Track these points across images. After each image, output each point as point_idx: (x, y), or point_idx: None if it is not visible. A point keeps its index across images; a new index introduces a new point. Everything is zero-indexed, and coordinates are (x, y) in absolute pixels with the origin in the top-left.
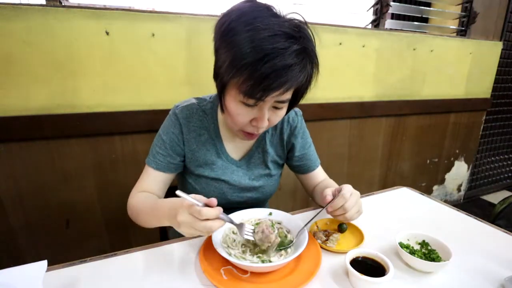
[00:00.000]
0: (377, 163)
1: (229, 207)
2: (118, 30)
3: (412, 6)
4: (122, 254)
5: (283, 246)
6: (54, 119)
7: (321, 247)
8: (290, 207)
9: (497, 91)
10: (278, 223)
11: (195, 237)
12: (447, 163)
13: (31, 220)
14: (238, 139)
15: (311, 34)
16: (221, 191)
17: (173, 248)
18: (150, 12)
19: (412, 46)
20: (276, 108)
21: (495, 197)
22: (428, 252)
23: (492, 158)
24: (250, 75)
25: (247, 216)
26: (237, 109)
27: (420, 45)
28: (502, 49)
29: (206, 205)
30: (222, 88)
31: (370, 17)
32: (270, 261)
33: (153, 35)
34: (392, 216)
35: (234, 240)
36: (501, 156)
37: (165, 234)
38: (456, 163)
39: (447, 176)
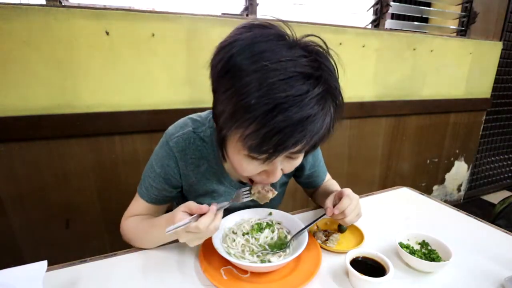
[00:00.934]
0: (377, 163)
1: None
2: (118, 30)
3: (412, 6)
4: (122, 254)
5: (280, 247)
6: (54, 119)
7: (321, 247)
8: (290, 207)
9: (497, 91)
10: (278, 223)
11: None
12: (447, 163)
13: (31, 220)
14: None
15: (333, 62)
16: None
17: (173, 248)
18: (150, 12)
19: (412, 46)
20: (291, 158)
21: (495, 197)
22: (428, 252)
23: (492, 158)
24: (257, 130)
25: (247, 216)
26: (242, 163)
27: (420, 45)
28: (502, 49)
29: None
30: (222, 138)
31: (370, 17)
32: (270, 261)
33: (153, 35)
34: (392, 216)
35: (234, 240)
36: (501, 156)
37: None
38: (456, 163)
39: (447, 176)
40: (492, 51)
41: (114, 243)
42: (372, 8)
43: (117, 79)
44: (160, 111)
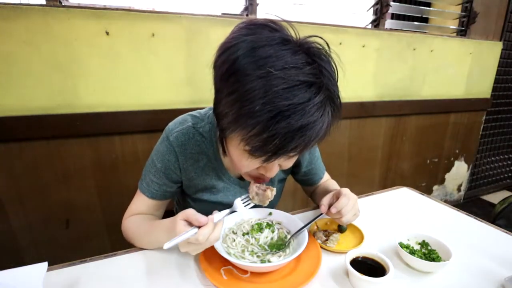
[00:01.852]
0: (377, 163)
1: None
2: (118, 30)
3: (412, 6)
4: (122, 254)
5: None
6: (54, 119)
7: (321, 247)
8: (290, 207)
9: (497, 91)
10: (278, 223)
11: None
12: (447, 163)
13: (31, 220)
14: None
15: (334, 65)
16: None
17: (173, 248)
18: (150, 12)
19: (412, 46)
20: (289, 156)
21: (495, 197)
22: (428, 252)
23: (492, 158)
24: (259, 134)
25: (247, 217)
26: (241, 159)
27: (420, 45)
28: (502, 49)
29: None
30: (224, 135)
31: (370, 17)
32: (270, 261)
33: (153, 35)
34: (392, 216)
35: (234, 240)
36: (501, 156)
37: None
38: (456, 163)
39: (447, 176)
40: (492, 51)
41: (114, 243)
42: (372, 8)
43: (117, 79)
44: (160, 111)
